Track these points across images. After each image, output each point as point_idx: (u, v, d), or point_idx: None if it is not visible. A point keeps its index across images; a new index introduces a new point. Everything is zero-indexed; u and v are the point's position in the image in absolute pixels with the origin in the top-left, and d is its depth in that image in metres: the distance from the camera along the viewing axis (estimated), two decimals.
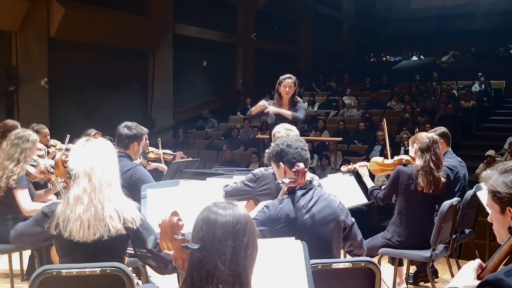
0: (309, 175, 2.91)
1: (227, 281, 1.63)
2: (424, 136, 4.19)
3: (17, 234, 2.67)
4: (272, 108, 5.29)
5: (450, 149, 4.96)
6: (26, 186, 4.04)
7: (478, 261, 1.81)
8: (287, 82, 5.31)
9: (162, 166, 5.78)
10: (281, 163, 2.84)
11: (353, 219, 2.93)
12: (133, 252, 2.79)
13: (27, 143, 4.09)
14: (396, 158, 4.45)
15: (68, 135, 5.15)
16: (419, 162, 4.11)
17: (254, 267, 1.73)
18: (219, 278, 1.63)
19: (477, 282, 1.69)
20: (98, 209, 2.46)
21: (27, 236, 2.63)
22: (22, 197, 3.99)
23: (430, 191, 4.08)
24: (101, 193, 2.48)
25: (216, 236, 1.65)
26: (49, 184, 4.65)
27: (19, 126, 5.02)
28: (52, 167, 4.30)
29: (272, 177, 3.57)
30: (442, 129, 4.97)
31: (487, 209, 4.67)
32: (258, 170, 3.72)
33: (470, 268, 1.77)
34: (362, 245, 3.02)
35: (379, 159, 4.70)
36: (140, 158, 5.16)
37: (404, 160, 4.29)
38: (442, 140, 4.84)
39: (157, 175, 5.43)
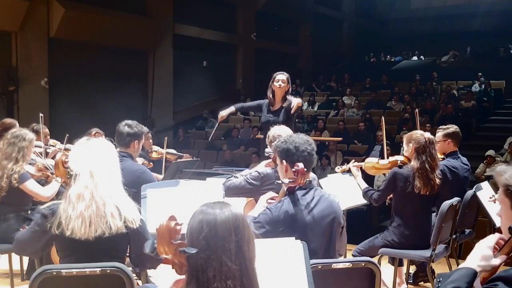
0: (310, 175, 2.91)
1: (235, 276, 1.64)
2: (420, 136, 4.10)
3: (18, 243, 2.65)
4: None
5: (456, 150, 4.85)
6: (30, 177, 4.05)
7: (495, 236, 1.76)
8: (280, 77, 5.37)
9: (158, 177, 5.74)
10: (284, 161, 2.84)
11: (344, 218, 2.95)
12: None
13: (24, 141, 4.10)
14: (391, 159, 4.42)
15: (67, 135, 5.15)
16: (415, 163, 4.06)
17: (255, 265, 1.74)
18: (227, 274, 1.64)
19: (495, 260, 1.67)
20: (100, 205, 2.47)
21: (29, 244, 2.61)
22: (34, 187, 4.02)
23: (427, 193, 4.06)
24: (102, 190, 2.49)
25: (219, 233, 1.66)
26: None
27: (17, 125, 5.02)
28: (50, 165, 4.32)
29: (276, 177, 3.56)
30: (453, 128, 4.82)
31: (487, 209, 4.66)
32: (265, 169, 3.71)
33: (485, 245, 1.73)
34: (345, 244, 3.04)
35: (374, 159, 4.66)
36: (141, 159, 5.17)
37: (399, 162, 4.25)
38: (449, 140, 4.78)
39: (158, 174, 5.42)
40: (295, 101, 5.23)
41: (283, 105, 5.39)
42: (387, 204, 4.48)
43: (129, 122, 3.99)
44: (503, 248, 1.73)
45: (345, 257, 4.39)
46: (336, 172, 4.84)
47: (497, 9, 17.98)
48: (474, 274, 1.68)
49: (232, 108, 5.70)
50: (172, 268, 1.74)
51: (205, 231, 1.67)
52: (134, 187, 3.43)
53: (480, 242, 1.77)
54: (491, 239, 1.75)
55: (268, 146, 3.96)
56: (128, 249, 2.62)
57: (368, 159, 4.74)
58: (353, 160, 4.77)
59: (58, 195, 4.36)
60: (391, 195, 4.31)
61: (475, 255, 1.72)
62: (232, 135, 13.23)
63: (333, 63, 19.23)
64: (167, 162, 6.07)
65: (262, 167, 3.77)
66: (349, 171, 4.67)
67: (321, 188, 3.50)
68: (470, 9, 19.26)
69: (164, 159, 6.05)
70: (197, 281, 1.65)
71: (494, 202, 4.23)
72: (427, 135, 4.16)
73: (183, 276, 1.74)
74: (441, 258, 4.33)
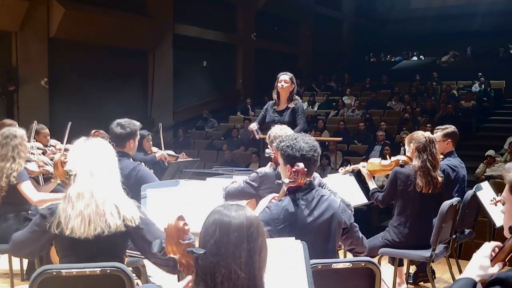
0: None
1: (243, 284, 1.62)
2: (421, 136, 4.16)
3: (15, 244, 2.63)
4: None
5: (453, 149, 4.89)
6: (28, 178, 4.06)
7: (491, 245, 1.77)
8: (283, 77, 5.41)
9: (165, 156, 5.82)
10: (288, 164, 2.84)
11: (352, 218, 2.94)
12: (132, 252, 2.78)
13: (16, 139, 4.10)
14: (393, 158, 4.43)
15: (70, 123, 5.10)
16: (416, 162, 4.10)
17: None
18: (235, 282, 1.62)
19: (493, 269, 1.68)
20: (99, 204, 2.47)
21: (26, 245, 2.60)
22: (27, 189, 4.02)
23: (429, 191, 4.07)
24: (102, 190, 2.49)
25: (231, 240, 1.63)
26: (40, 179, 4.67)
27: (17, 125, 5.03)
28: (48, 163, 4.32)
29: (277, 177, 3.56)
30: (451, 128, 4.86)
31: (487, 209, 4.66)
32: (262, 169, 3.72)
33: (482, 255, 1.75)
34: (363, 243, 3.02)
35: (376, 160, 4.68)
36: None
37: (401, 161, 4.27)
38: (449, 140, 4.81)
39: (158, 175, 5.43)
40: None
41: (289, 106, 5.40)
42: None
43: (121, 121, 3.92)
44: (499, 254, 1.73)
45: (345, 256, 4.40)
46: (337, 172, 4.84)
47: (497, 9, 17.98)
48: (474, 284, 1.70)
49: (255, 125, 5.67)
50: (180, 268, 1.73)
51: (217, 235, 1.64)
52: (132, 186, 3.42)
53: (477, 252, 1.79)
54: (487, 248, 1.77)
55: (268, 146, 3.96)
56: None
57: (371, 159, 4.75)
58: (362, 163, 4.78)
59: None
60: None
61: (473, 265, 1.74)
62: (232, 135, 13.22)
63: (333, 63, 19.22)
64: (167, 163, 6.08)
65: (261, 168, 3.79)
66: (353, 171, 4.69)
67: (324, 187, 3.50)
68: (470, 9, 19.26)
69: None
70: (205, 284, 1.64)
71: (495, 205, 4.23)
72: (427, 134, 4.22)
73: (190, 277, 1.73)
74: (441, 258, 4.33)
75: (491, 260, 1.73)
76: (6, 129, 4.25)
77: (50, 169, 4.27)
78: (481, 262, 1.73)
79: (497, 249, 1.76)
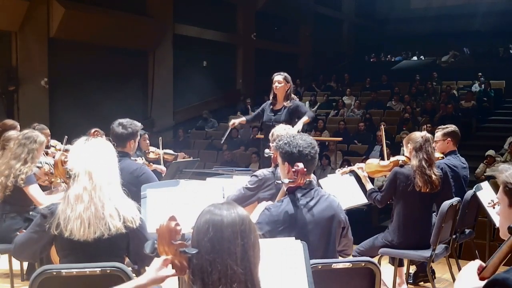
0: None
1: (240, 280, 1.63)
2: (418, 136, 4.19)
3: (17, 245, 2.63)
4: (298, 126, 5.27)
5: (455, 149, 4.90)
6: (36, 182, 4.06)
7: (478, 261, 1.80)
8: (276, 78, 5.46)
9: (161, 168, 5.76)
10: (286, 163, 2.84)
11: (347, 219, 2.94)
12: None
13: (35, 144, 4.11)
14: (392, 159, 4.44)
15: (66, 137, 5.14)
16: (414, 162, 4.12)
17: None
18: (232, 277, 1.62)
19: (480, 282, 1.69)
20: (99, 207, 2.46)
21: (28, 245, 2.60)
22: (35, 192, 4.04)
23: (428, 190, 4.08)
24: (101, 191, 2.49)
25: (225, 236, 1.65)
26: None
27: (18, 126, 5.03)
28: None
29: (276, 178, 3.56)
30: (451, 127, 4.88)
31: (487, 208, 4.67)
32: (261, 172, 3.72)
33: (470, 269, 1.77)
34: (352, 245, 3.04)
35: (375, 161, 4.67)
36: (142, 159, 5.16)
37: (400, 161, 4.28)
38: (449, 139, 4.83)
39: (157, 175, 5.42)
40: (303, 119, 5.33)
41: (286, 105, 5.43)
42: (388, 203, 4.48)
43: (123, 121, 3.95)
44: (495, 258, 1.74)
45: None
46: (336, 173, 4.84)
47: (497, 9, 17.97)
48: None
49: (243, 118, 5.87)
50: (173, 268, 1.73)
51: (210, 233, 1.65)
52: (134, 186, 3.43)
53: (464, 267, 1.81)
54: (474, 264, 1.79)
55: (269, 144, 3.97)
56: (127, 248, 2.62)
57: (369, 160, 4.74)
58: (359, 164, 4.77)
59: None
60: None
61: (461, 280, 1.77)
62: (232, 135, 13.22)
63: (333, 63, 19.23)
64: (166, 163, 6.06)
65: (259, 170, 3.79)
66: (352, 172, 4.68)
67: (321, 188, 3.50)
68: (470, 9, 19.25)
69: (162, 159, 6.04)
70: (203, 282, 1.64)
71: (493, 208, 4.23)
72: (424, 133, 4.25)
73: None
74: (441, 258, 4.33)
75: (480, 272, 1.75)
76: (30, 130, 4.27)
77: (54, 178, 4.28)
78: (469, 276, 1.76)
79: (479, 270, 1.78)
